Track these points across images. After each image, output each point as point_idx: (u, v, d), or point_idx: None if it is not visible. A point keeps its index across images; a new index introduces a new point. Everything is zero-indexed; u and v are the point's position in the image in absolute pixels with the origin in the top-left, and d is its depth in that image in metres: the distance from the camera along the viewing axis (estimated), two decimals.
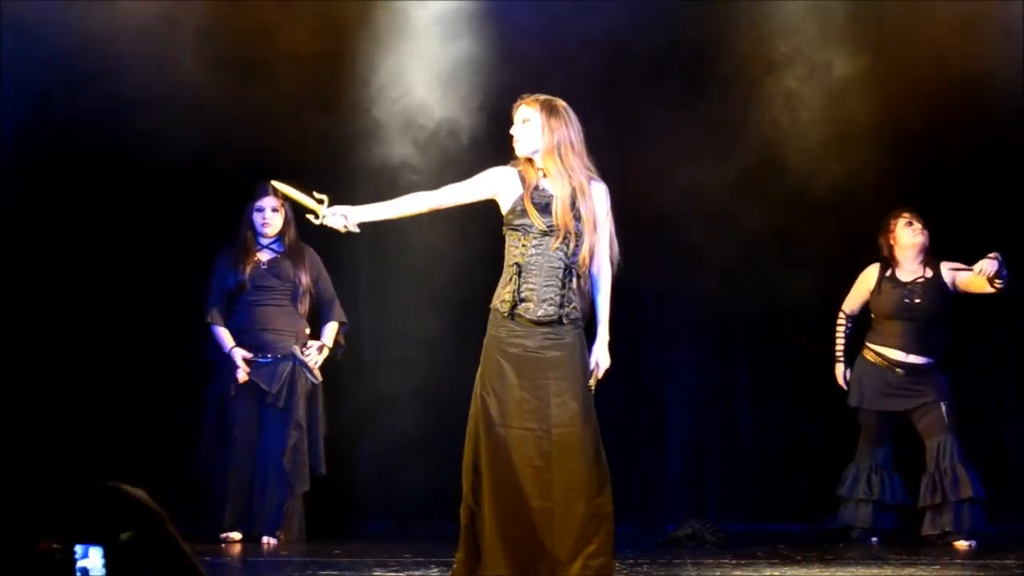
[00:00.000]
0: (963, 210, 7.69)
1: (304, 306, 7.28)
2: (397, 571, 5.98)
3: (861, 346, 7.34)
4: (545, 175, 5.04)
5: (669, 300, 8.14)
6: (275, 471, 7.11)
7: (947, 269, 7.19)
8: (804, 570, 6.11)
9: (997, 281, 6.98)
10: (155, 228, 7.81)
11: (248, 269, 7.19)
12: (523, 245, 4.99)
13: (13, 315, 7.63)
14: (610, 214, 5.10)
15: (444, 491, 6.70)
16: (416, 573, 5.93)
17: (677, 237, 8.05)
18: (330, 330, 7.33)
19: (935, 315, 7.18)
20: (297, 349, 7.16)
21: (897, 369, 7.20)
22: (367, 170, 7.92)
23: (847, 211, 7.91)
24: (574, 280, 5.01)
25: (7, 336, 7.59)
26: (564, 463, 4.90)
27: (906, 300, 7.18)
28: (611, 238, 5.12)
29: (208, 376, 7.28)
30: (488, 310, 5.06)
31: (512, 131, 5.09)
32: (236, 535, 7.11)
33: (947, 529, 7.07)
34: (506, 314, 4.99)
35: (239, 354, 7.13)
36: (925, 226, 7.23)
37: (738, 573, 6.01)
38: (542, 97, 5.08)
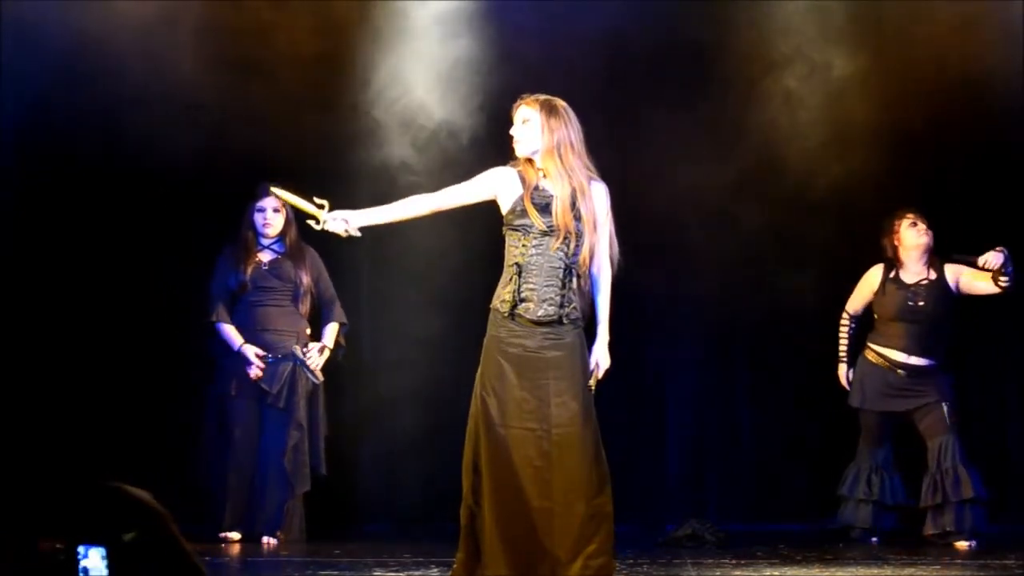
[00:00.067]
0: (963, 210, 7.69)
1: (305, 306, 7.28)
2: (397, 571, 5.98)
3: (863, 346, 7.33)
4: (545, 175, 5.04)
5: (669, 300, 8.14)
6: (276, 471, 7.11)
7: (951, 270, 7.18)
8: (804, 570, 6.11)
9: (1002, 279, 6.98)
10: (155, 228, 7.81)
11: (249, 270, 7.19)
12: (523, 245, 4.99)
13: (13, 315, 7.63)
14: (610, 214, 5.10)
15: (444, 491, 6.71)
16: (416, 573, 5.93)
17: (677, 237, 8.06)
18: (331, 331, 7.33)
19: (938, 318, 7.17)
20: (298, 349, 7.16)
21: (899, 370, 7.20)
22: (367, 170, 7.92)
23: (847, 211, 7.92)
24: (574, 280, 5.01)
25: (7, 336, 7.58)
26: (564, 463, 4.89)
27: (910, 303, 7.17)
28: (611, 238, 5.11)
29: (209, 376, 7.28)
30: (488, 310, 5.06)
31: (512, 131, 5.09)
32: (235, 535, 7.11)
33: (948, 529, 7.07)
34: (506, 314, 4.99)
35: (251, 351, 7.13)
36: (929, 227, 7.22)
37: (738, 573, 6.01)
38: (542, 97, 5.08)
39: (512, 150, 5.10)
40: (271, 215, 7.21)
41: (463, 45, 7.88)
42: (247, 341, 7.16)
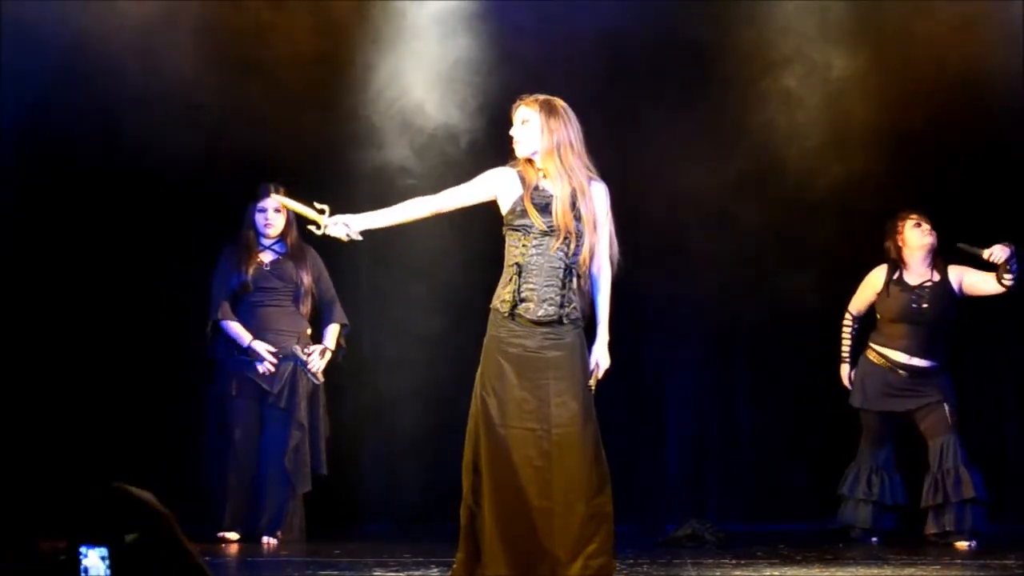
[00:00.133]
0: (963, 210, 7.69)
1: (306, 307, 7.28)
2: (397, 571, 5.98)
3: (864, 346, 7.33)
4: (545, 175, 5.04)
5: (669, 300, 8.14)
6: (276, 471, 7.11)
7: (954, 272, 7.17)
8: (804, 570, 6.11)
9: (1006, 277, 6.97)
10: (154, 228, 7.81)
11: (251, 270, 7.18)
12: (523, 245, 4.99)
13: (13, 315, 7.63)
14: (610, 214, 5.10)
15: (444, 491, 6.71)
16: (416, 573, 5.93)
17: (677, 237, 8.05)
18: (332, 332, 7.32)
19: (941, 320, 7.17)
20: (298, 349, 7.16)
21: (900, 371, 7.20)
22: (367, 170, 7.93)
23: (847, 211, 7.92)
24: (574, 280, 5.01)
25: (7, 336, 7.58)
26: (564, 463, 4.90)
27: (913, 305, 7.16)
28: (611, 238, 5.12)
29: (209, 376, 7.28)
30: (488, 310, 5.07)
31: (512, 132, 5.09)
32: (234, 535, 7.10)
33: (949, 529, 7.07)
34: (506, 314, 4.99)
35: (262, 347, 7.12)
36: (933, 227, 7.22)
37: (738, 573, 6.01)
38: (541, 97, 5.08)
39: (512, 150, 5.10)
40: (272, 215, 7.20)
41: (462, 45, 7.88)
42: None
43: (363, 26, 7.94)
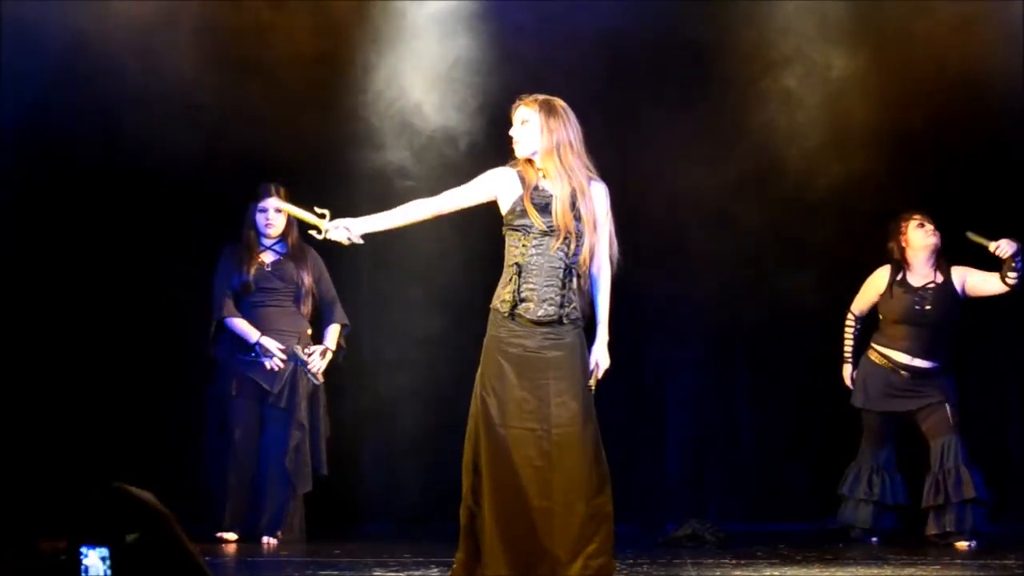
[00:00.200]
0: (963, 210, 7.69)
1: (307, 307, 7.28)
2: (397, 571, 5.98)
3: (866, 346, 7.33)
4: (545, 175, 5.04)
5: (669, 300, 8.14)
6: (276, 471, 7.11)
7: (957, 273, 7.16)
8: (804, 570, 6.11)
9: (1010, 275, 6.97)
10: (154, 228, 7.81)
11: (252, 270, 7.18)
12: (523, 245, 4.99)
13: (13, 315, 7.63)
14: (610, 214, 5.10)
15: (444, 491, 6.71)
16: (416, 573, 5.93)
17: (677, 237, 8.05)
18: (332, 332, 7.32)
19: (944, 322, 7.16)
20: (299, 349, 7.16)
21: (902, 371, 7.20)
22: (367, 170, 7.93)
23: (847, 211, 7.92)
24: (574, 280, 5.01)
25: (7, 336, 7.58)
26: (564, 463, 4.90)
27: (916, 307, 7.15)
28: (611, 238, 5.12)
29: (209, 376, 7.27)
30: (488, 310, 5.07)
31: (511, 132, 5.09)
32: (232, 536, 7.09)
33: (949, 529, 7.07)
34: (506, 314, 4.99)
35: (271, 343, 7.11)
36: (936, 228, 7.21)
37: (738, 573, 6.01)
38: (541, 97, 5.07)
39: (512, 151, 5.10)
40: (273, 216, 7.20)
41: (462, 45, 7.88)
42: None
43: (363, 26, 7.94)
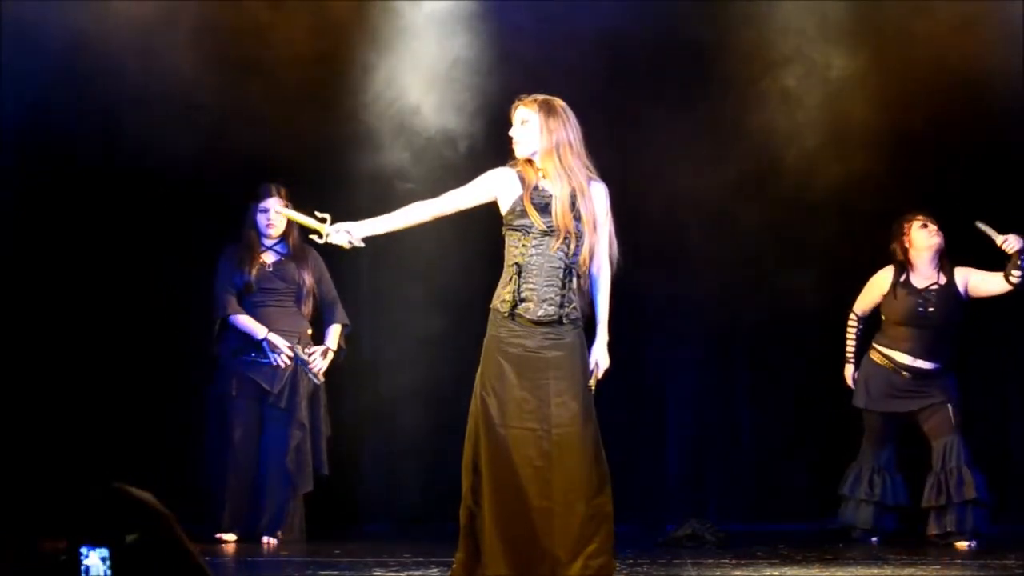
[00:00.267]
0: (963, 210, 7.69)
1: (308, 308, 7.28)
2: (397, 571, 5.98)
3: (868, 347, 7.32)
4: (544, 176, 5.04)
5: (669, 300, 8.14)
6: (277, 471, 7.11)
7: (960, 274, 7.15)
8: (804, 570, 6.11)
9: (1014, 273, 6.96)
10: (154, 228, 7.81)
11: (254, 271, 7.18)
12: (523, 245, 4.99)
13: (13, 315, 7.63)
14: (610, 214, 5.10)
15: (444, 491, 6.71)
16: (416, 573, 5.93)
17: (677, 237, 8.06)
18: (333, 333, 7.32)
19: (948, 323, 7.15)
20: (299, 349, 7.16)
21: (904, 372, 7.19)
22: (367, 171, 7.93)
23: (847, 211, 7.92)
24: (574, 280, 5.01)
25: (7, 337, 7.58)
26: (564, 463, 4.90)
27: (920, 309, 7.14)
28: (611, 238, 5.12)
29: (209, 376, 7.27)
30: (488, 310, 5.07)
31: (511, 132, 5.09)
32: (231, 537, 7.09)
33: (950, 530, 7.07)
34: (506, 314, 4.99)
35: (279, 340, 7.11)
36: (940, 228, 7.20)
37: (738, 573, 6.01)
38: (540, 97, 5.07)
39: (511, 151, 5.10)
40: (274, 216, 7.19)
41: (461, 45, 7.88)
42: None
43: (362, 26, 7.93)
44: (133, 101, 7.69)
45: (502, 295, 5.02)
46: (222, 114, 7.75)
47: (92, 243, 7.78)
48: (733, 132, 8.02)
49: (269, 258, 7.25)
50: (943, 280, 7.17)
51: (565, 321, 4.99)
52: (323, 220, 5.13)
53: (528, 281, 4.98)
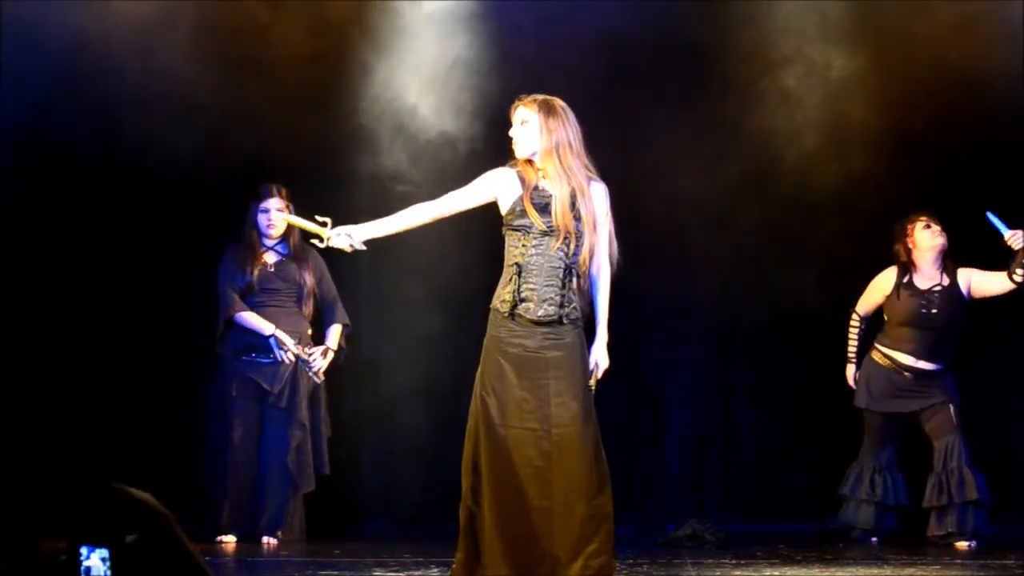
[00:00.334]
0: (963, 210, 7.68)
1: (308, 308, 7.28)
2: (397, 571, 5.98)
3: (870, 347, 7.32)
4: (544, 176, 5.04)
5: (669, 300, 8.14)
6: (277, 471, 7.11)
7: (963, 275, 7.14)
8: (804, 570, 6.11)
9: (1018, 272, 6.96)
10: (154, 228, 7.81)
11: (256, 271, 7.18)
12: (523, 245, 4.99)
13: (13, 315, 7.63)
14: (610, 214, 5.10)
15: (444, 491, 6.70)
16: (416, 573, 5.93)
17: (677, 237, 8.06)
18: (334, 332, 7.32)
19: (950, 325, 7.14)
20: (300, 348, 7.16)
21: (905, 373, 7.19)
22: (366, 171, 7.93)
23: (847, 211, 7.92)
24: (574, 280, 5.01)
25: (7, 337, 7.58)
26: (564, 463, 4.90)
27: (923, 310, 7.13)
28: (611, 238, 5.11)
29: (209, 376, 7.27)
30: (488, 310, 5.07)
31: (511, 132, 5.09)
32: (230, 538, 7.08)
33: (951, 530, 7.07)
34: (506, 314, 4.99)
35: (287, 337, 7.11)
36: (943, 228, 7.20)
37: (738, 573, 6.01)
38: (540, 97, 5.07)
39: (511, 151, 5.10)
40: (275, 216, 7.19)
41: (460, 45, 7.88)
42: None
43: (361, 26, 7.93)
44: (133, 101, 7.69)
45: (502, 295, 5.02)
46: (222, 114, 7.75)
47: (92, 243, 7.78)
48: (733, 132, 8.02)
49: (270, 258, 7.25)
50: (946, 281, 7.16)
51: (565, 321, 4.99)
52: (324, 224, 5.12)
53: (528, 281, 4.98)
